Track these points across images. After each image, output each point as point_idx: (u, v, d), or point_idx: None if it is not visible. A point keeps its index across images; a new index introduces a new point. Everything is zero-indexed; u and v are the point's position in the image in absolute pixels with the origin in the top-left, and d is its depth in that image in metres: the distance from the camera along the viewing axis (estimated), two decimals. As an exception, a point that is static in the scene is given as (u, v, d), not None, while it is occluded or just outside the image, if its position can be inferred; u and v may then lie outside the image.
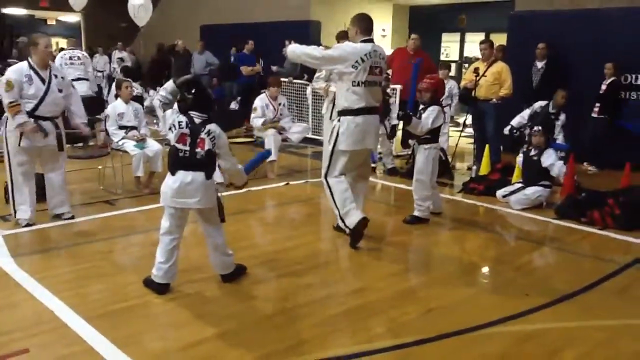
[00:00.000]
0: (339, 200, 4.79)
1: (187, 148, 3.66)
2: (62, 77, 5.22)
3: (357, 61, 4.52)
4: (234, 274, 4.05)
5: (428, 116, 5.39)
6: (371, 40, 4.68)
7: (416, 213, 5.54)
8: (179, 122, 3.71)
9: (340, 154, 4.76)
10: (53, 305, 3.61)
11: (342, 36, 6.73)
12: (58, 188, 5.32)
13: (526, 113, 7.54)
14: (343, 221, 4.80)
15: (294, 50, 4.76)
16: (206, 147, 3.66)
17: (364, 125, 4.66)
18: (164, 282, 3.83)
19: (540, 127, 6.44)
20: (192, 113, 3.74)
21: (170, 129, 3.74)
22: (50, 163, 5.26)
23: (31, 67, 4.99)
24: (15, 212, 5.16)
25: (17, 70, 4.98)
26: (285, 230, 5.45)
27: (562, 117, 7.35)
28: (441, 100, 5.82)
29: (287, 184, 7.13)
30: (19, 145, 4.96)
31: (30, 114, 4.96)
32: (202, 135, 3.66)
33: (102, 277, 4.12)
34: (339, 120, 4.75)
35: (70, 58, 8.85)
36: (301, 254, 4.69)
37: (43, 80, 5.00)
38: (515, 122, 7.51)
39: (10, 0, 18.35)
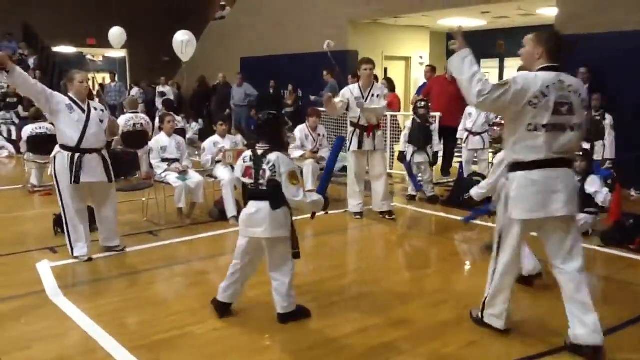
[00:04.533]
0: (494, 286, 3.65)
1: (252, 181, 3.77)
2: (102, 110, 5.32)
3: (536, 95, 3.27)
4: (293, 315, 3.93)
5: None
6: (556, 68, 3.40)
7: None
8: (244, 157, 3.85)
9: (511, 225, 3.52)
10: (98, 335, 3.69)
11: (365, 61, 6.70)
12: (109, 221, 5.41)
13: None
14: (483, 308, 3.74)
15: (461, 70, 3.42)
16: (267, 177, 3.72)
17: (544, 182, 3.36)
18: (222, 300, 3.95)
19: (580, 152, 6.30)
20: (257, 145, 3.84)
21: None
22: (101, 197, 5.34)
23: (71, 99, 5.12)
24: (72, 249, 5.22)
25: (59, 95, 5.12)
26: (325, 260, 5.44)
27: (609, 117, 7.19)
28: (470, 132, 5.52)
29: (326, 213, 7.11)
30: (71, 182, 5.06)
31: (76, 148, 5.06)
32: (264, 166, 3.73)
33: (145, 308, 4.19)
34: (507, 179, 3.52)
35: (134, 125, 8.98)
36: (341, 285, 4.68)
37: (83, 110, 5.12)
38: None
39: (61, 39, 19.20)
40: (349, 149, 6.81)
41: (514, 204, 3.41)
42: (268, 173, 3.71)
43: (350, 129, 6.78)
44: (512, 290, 3.64)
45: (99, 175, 5.18)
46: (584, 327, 3.36)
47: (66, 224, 5.22)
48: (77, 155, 5.06)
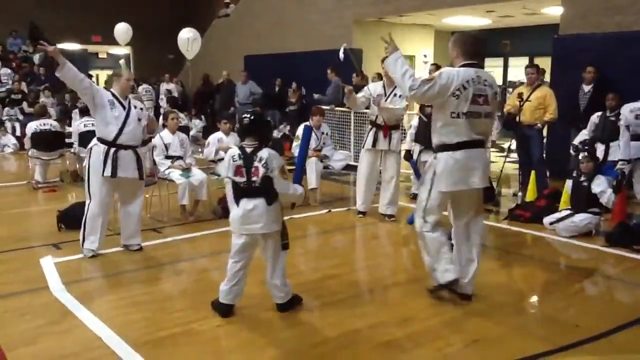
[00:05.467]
0: (433, 254, 4.17)
1: (244, 179, 3.78)
2: (141, 109, 5.43)
3: (458, 88, 3.88)
4: (290, 304, 4.04)
5: None
6: (476, 65, 4.03)
7: None
8: (232, 155, 3.83)
9: (437, 196, 4.10)
10: (101, 331, 3.70)
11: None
12: (134, 219, 5.43)
13: (586, 130, 7.40)
14: (434, 272, 4.23)
15: (395, 70, 4.02)
16: (260, 174, 3.74)
17: (465, 160, 3.97)
18: (225, 302, 3.93)
19: (587, 154, 6.30)
20: (244, 143, 3.86)
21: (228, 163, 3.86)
22: (129, 194, 5.39)
23: (113, 95, 5.22)
24: (83, 240, 5.23)
25: (103, 90, 5.22)
26: (328, 258, 5.45)
27: (624, 117, 7.16)
28: None
29: (329, 211, 7.14)
30: (103, 174, 5.10)
31: (112, 142, 5.12)
32: (255, 163, 3.75)
33: (149, 304, 4.20)
34: (435, 158, 4.12)
35: None
36: (344, 283, 4.68)
37: (124, 107, 5.21)
38: (577, 140, 7.35)
39: (65, 36, 19.25)
40: (363, 147, 6.80)
41: (441, 179, 4.03)
42: (262, 170, 3.73)
43: (367, 127, 6.76)
44: (448, 244, 4.18)
45: (131, 171, 5.23)
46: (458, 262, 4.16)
47: (85, 215, 5.23)
48: (112, 149, 5.12)
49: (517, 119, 7.50)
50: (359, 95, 6.59)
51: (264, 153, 3.77)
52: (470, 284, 4.22)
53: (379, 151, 6.66)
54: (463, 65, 3.98)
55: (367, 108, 6.75)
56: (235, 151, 3.86)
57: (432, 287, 4.25)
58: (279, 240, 3.89)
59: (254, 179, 3.75)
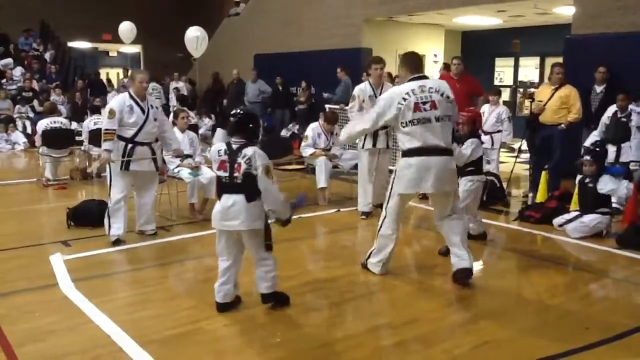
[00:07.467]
0: (380, 241, 4.72)
1: (227, 174, 3.80)
2: (156, 107, 5.74)
3: (399, 102, 4.30)
4: (275, 297, 4.02)
5: (467, 147, 5.32)
6: (422, 77, 4.47)
7: None
8: (218, 150, 3.87)
9: (395, 194, 4.58)
10: (109, 329, 3.70)
11: (376, 61, 6.69)
12: (148, 208, 5.82)
13: (597, 131, 7.32)
14: (369, 256, 4.81)
15: (349, 135, 4.88)
16: (242, 170, 3.75)
17: (419, 166, 4.35)
18: (218, 300, 3.95)
19: (589, 157, 6.23)
20: (232, 139, 3.88)
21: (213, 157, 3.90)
22: (144, 185, 5.79)
23: (132, 97, 5.50)
24: (109, 228, 5.53)
25: (119, 100, 5.55)
26: (336, 258, 5.42)
27: (635, 118, 7.07)
28: (481, 129, 5.78)
29: (338, 210, 7.13)
30: (121, 169, 5.49)
31: (131, 140, 5.52)
32: (239, 159, 3.77)
33: (156, 302, 4.21)
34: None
35: None
36: (353, 282, 4.66)
37: (143, 110, 5.52)
38: (588, 142, 7.27)
39: (76, 34, 19.36)
40: (362, 147, 6.77)
41: (397, 181, 4.50)
42: (244, 166, 3.75)
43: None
44: (393, 246, 4.67)
45: (146, 165, 5.66)
46: (456, 257, 4.53)
47: (109, 206, 5.56)
48: (129, 145, 5.52)
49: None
50: (352, 106, 6.64)
51: (249, 150, 3.78)
52: (463, 260, 4.52)
53: (377, 150, 6.67)
54: (409, 80, 4.42)
55: (360, 109, 6.63)
56: (221, 146, 3.89)
57: (363, 263, 4.86)
58: (260, 239, 3.88)
59: (235, 174, 3.77)
